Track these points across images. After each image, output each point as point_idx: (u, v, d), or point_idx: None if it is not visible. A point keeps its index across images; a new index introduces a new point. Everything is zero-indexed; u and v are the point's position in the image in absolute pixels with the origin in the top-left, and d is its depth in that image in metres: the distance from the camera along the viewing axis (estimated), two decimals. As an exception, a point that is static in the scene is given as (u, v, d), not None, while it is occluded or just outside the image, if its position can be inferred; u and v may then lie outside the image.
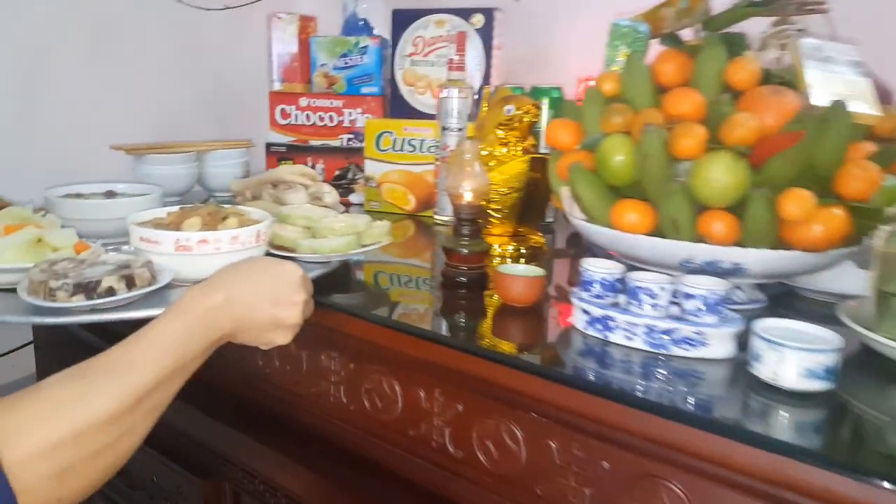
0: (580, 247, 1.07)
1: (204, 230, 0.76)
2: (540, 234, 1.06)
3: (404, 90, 1.41)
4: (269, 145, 1.42)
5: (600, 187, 0.78)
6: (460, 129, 1.21)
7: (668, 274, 0.68)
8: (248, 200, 1.08)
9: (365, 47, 1.42)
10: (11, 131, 1.24)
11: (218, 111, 1.57)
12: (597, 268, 0.69)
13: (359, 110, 1.41)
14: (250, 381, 0.92)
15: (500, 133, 1.03)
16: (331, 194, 1.03)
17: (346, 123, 1.42)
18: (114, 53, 1.35)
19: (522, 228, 1.06)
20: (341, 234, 0.81)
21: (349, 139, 1.43)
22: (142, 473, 1.01)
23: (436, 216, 1.26)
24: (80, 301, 0.68)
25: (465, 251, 0.86)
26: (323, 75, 1.46)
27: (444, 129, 1.22)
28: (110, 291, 0.69)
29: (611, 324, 0.67)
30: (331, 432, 0.83)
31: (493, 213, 1.04)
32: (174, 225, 0.78)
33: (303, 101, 1.42)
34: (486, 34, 1.35)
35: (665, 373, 0.61)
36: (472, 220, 0.87)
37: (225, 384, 0.93)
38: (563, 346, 0.71)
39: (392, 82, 1.42)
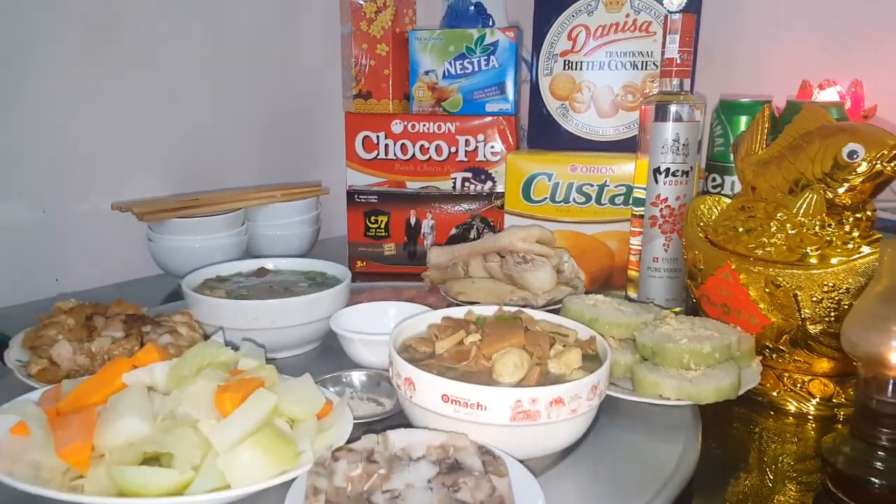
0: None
1: (534, 371, 0.47)
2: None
3: (552, 106, 0.94)
4: (353, 194, 0.95)
5: None
6: (686, 174, 0.74)
7: None
8: (459, 279, 0.78)
9: (493, 44, 0.95)
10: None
11: (266, 143, 1.09)
12: None
13: (480, 137, 0.94)
14: None
15: (829, 195, 0.56)
16: (570, 264, 0.77)
17: (462, 157, 0.95)
18: (114, 61, 0.88)
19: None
20: (713, 361, 0.51)
21: (465, 180, 0.96)
22: None
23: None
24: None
25: (880, 484, 0.39)
26: (428, 87, 0.98)
27: (656, 171, 0.75)
28: None
29: None
30: None
31: (813, 338, 0.56)
32: (457, 358, 0.50)
33: (397, 125, 0.96)
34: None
35: None
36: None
37: None
38: None
39: (533, 95, 0.95)
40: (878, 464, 0.40)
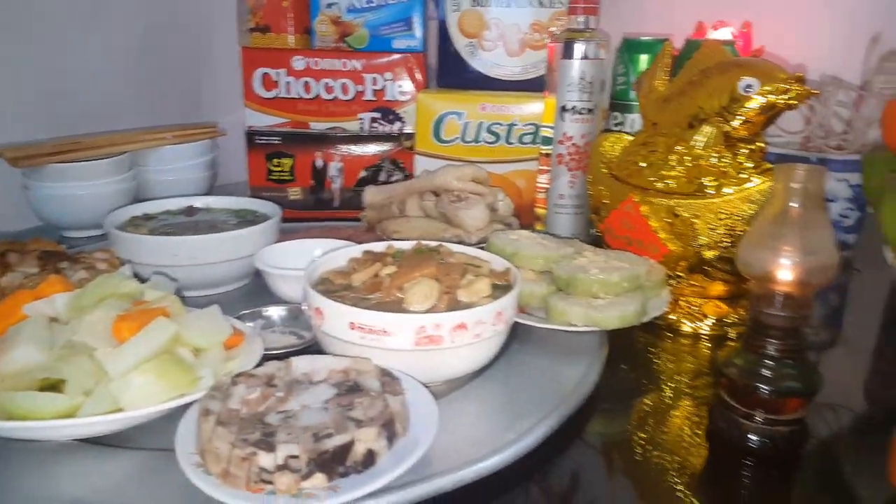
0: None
1: (443, 300, 0.48)
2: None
3: (460, 44, 0.92)
4: (252, 134, 0.90)
5: None
6: (590, 111, 0.75)
7: None
8: (395, 218, 0.77)
9: (397, -24, 0.91)
10: None
11: (153, 82, 1.01)
12: None
13: (388, 75, 0.91)
14: None
15: (725, 128, 0.58)
16: (505, 202, 0.76)
17: (370, 96, 0.92)
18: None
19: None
20: (620, 290, 0.53)
21: (373, 120, 0.93)
22: None
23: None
24: (320, 489, 0.34)
25: (769, 390, 0.43)
26: (331, 21, 0.94)
27: (563, 109, 0.75)
28: (370, 459, 0.36)
29: None
30: None
31: (709, 264, 0.59)
32: (371, 289, 0.50)
33: (298, 62, 0.91)
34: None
35: None
36: (793, 331, 0.43)
37: None
38: None
39: (440, 32, 0.93)
40: (767, 372, 0.43)
